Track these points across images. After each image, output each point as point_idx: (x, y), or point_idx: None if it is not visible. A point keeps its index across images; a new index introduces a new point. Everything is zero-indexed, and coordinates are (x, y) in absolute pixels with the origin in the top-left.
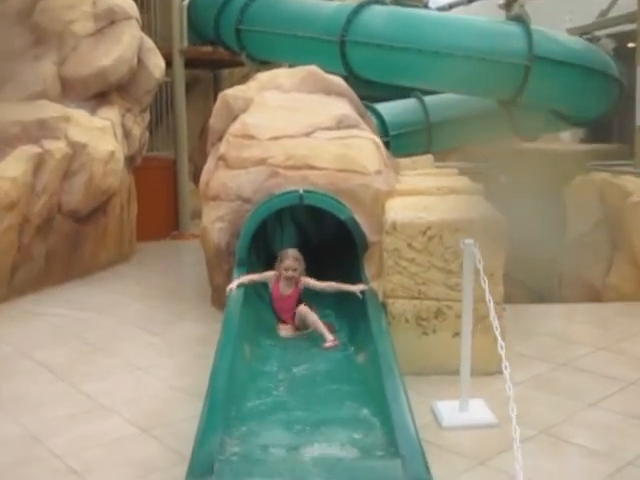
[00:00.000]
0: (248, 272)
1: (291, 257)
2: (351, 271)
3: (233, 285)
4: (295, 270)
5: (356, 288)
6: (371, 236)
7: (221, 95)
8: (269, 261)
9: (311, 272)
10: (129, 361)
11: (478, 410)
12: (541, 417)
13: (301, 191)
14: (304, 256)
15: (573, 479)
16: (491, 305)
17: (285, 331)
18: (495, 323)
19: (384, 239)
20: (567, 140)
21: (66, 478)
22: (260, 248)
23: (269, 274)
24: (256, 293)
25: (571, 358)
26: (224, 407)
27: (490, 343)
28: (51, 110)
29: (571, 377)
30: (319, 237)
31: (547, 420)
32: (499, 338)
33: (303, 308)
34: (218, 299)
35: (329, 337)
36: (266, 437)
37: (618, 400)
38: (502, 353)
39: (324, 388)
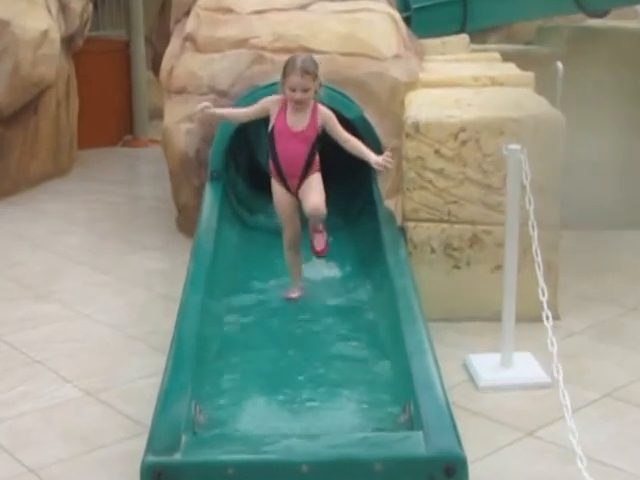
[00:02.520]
0: (225, 188)
1: (300, 69)
2: (360, 186)
3: (201, 106)
4: (307, 90)
5: (375, 158)
6: (387, 140)
7: None
8: (253, 176)
9: None
10: (70, 305)
11: (525, 366)
12: (606, 376)
13: None
14: None
15: None
16: (535, 233)
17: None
18: (538, 258)
19: (404, 144)
20: None
21: None
22: (240, 158)
23: (268, 100)
24: (236, 214)
25: None
26: (193, 362)
27: None
28: None
29: None
30: (320, 142)
31: (613, 380)
32: (540, 278)
33: (316, 178)
34: (185, 223)
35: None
36: (249, 403)
37: None
38: (543, 300)
39: (325, 336)
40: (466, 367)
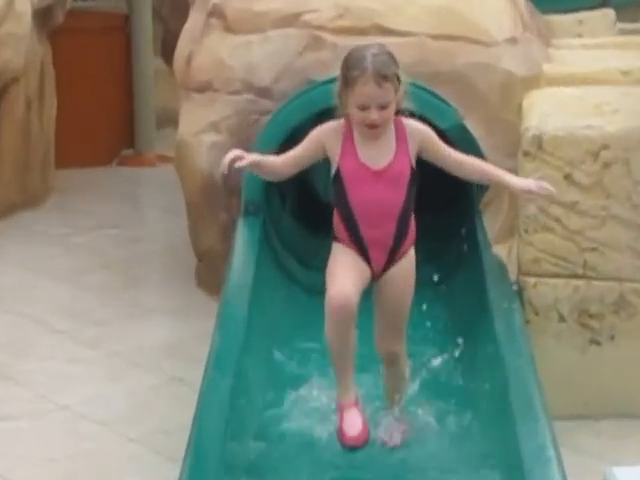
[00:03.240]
0: (266, 232)
1: (373, 74)
2: (457, 226)
3: (228, 158)
4: (386, 107)
5: (521, 183)
6: (495, 160)
7: None
8: (305, 212)
9: None
10: (42, 392)
11: None
12: None
13: None
14: None
15: None
16: None
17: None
18: None
19: (521, 166)
20: None
21: None
22: (289, 185)
23: (321, 132)
24: (282, 266)
25: None
26: (219, 477)
27: None
28: None
29: None
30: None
31: None
32: None
33: (409, 268)
34: (207, 276)
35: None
36: None
37: None
38: None
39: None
40: None
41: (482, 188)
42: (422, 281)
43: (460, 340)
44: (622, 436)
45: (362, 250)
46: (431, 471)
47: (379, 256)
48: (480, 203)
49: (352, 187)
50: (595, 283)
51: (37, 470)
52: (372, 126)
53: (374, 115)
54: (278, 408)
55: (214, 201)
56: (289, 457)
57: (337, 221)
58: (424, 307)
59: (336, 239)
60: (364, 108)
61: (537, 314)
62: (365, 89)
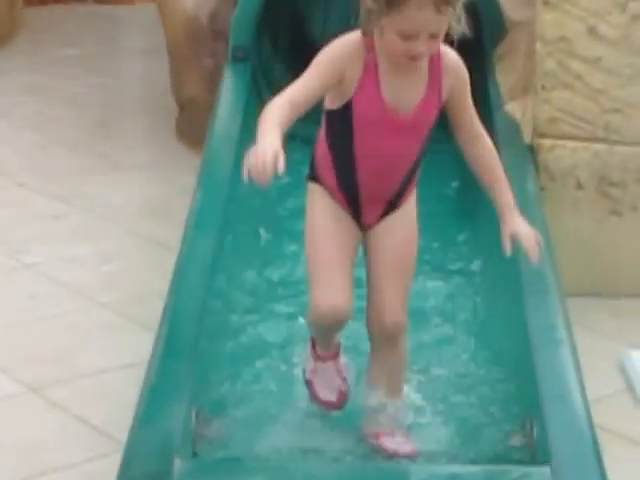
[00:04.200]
0: (255, 79)
1: None
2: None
3: (268, 155)
4: (437, 36)
5: (516, 225)
6: (512, 10)
7: None
8: (299, 57)
9: None
10: (7, 252)
11: None
12: None
13: None
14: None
15: None
16: None
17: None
18: None
19: (540, 17)
20: None
21: None
22: (281, 28)
23: (342, 49)
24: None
25: None
26: (196, 346)
27: None
28: None
29: None
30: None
31: None
32: None
33: (409, 216)
34: (189, 127)
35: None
36: (278, 407)
37: None
38: None
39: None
40: (624, 369)
41: (496, 37)
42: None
43: (467, 208)
44: None
45: (353, 203)
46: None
47: (373, 210)
48: (493, 57)
49: (362, 132)
50: (617, 148)
51: (2, 329)
52: (415, 58)
53: (422, 47)
54: (261, 285)
55: (199, 45)
56: (271, 328)
57: (323, 163)
58: (432, 170)
59: (314, 180)
60: (410, 36)
61: (553, 180)
62: (419, 14)
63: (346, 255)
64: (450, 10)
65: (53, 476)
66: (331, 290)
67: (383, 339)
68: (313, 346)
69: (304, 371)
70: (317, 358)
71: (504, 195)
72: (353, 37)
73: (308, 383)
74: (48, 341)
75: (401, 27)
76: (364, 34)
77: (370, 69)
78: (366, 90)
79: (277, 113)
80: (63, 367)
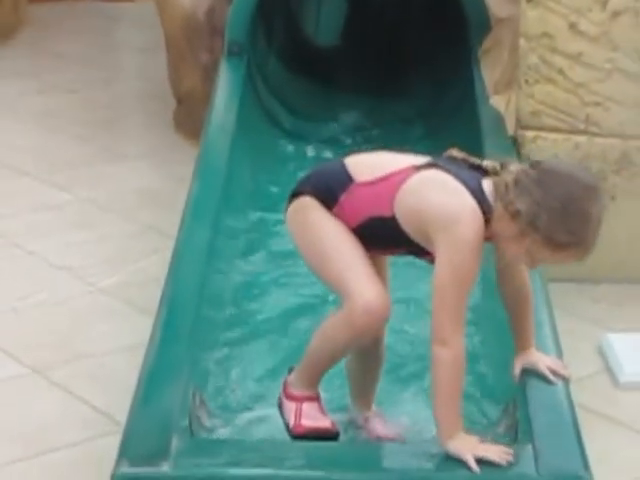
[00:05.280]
0: (250, 74)
1: (587, 252)
2: (454, 77)
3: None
4: None
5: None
6: (497, 8)
7: None
8: (291, 53)
9: (377, 84)
10: (11, 238)
11: None
12: None
13: None
14: (363, 47)
15: None
16: None
17: None
18: None
19: (523, 13)
20: None
21: None
22: (275, 25)
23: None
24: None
25: None
26: (193, 328)
27: None
28: None
29: None
30: (396, 14)
31: None
32: None
33: None
34: (187, 120)
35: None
36: (272, 388)
37: None
38: None
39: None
40: (602, 352)
41: (481, 33)
42: (412, 135)
43: None
44: (620, 302)
45: None
46: None
47: None
48: (478, 51)
49: None
50: (597, 140)
51: (5, 313)
52: (528, 266)
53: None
54: (256, 265)
55: (196, 40)
56: (267, 312)
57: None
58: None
59: (307, 194)
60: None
61: None
62: (567, 259)
63: (366, 255)
64: None
65: (55, 455)
66: (377, 286)
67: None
68: (295, 396)
69: (287, 426)
70: (302, 399)
71: (529, 330)
72: (479, 218)
73: (295, 431)
74: (50, 325)
75: (546, 258)
76: (484, 211)
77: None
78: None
79: None
80: (65, 350)
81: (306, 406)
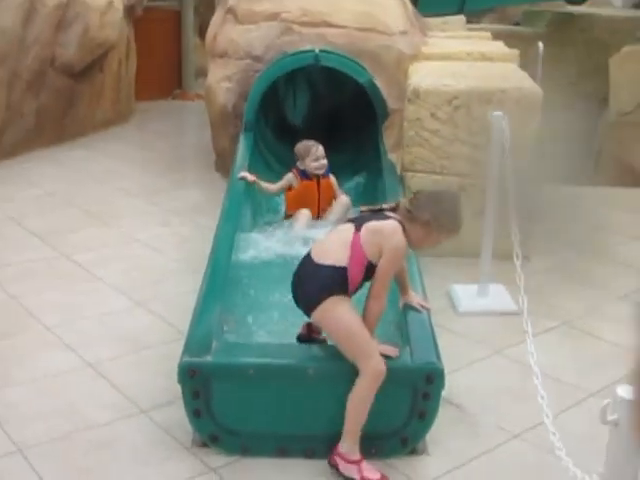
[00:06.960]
0: (256, 140)
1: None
2: (369, 141)
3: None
4: (324, 160)
5: (418, 302)
6: (392, 103)
7: None
8: (279, 128)
9: (325, 143)
10: (124, 231)
11: (498, 296)
12: (564, 308)
13: (317, 51)
14: (318, 124)
15: (594, 374)
16: (511, 186)
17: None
18: (512, 207)
19: (406, 107)
20: (619, 4)
21: (59, 351)
22: (270, 112)
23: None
24: (264, 160)
25: (604, 246)
26: (224, 282)
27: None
28: None
29: (602, 267)
30: (335, 104)
31: (570, 311)
32: (513, 223)
33: None
34: (222, 164)
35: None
36: (269, 317)
37: None
38: (515, 241)
39: None
40: (449, 295)
41: (383, 117)
42: (346, 174)
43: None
44: (459, 266)
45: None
46: None
47: None
48: (382, 128)
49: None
50: (447, 177)
51: (122, 271)
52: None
53: (322, 161)
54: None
55: (227, 121)
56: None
57: (356, 280)
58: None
59: (343, 292)
60: (317, 159)
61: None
62: (446, 240)
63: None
64: None
65: (147, 352)
66: (379, 356)
67: None
68: (354, 460)
69: None
70: (359, 462)
71: (406, 281)
72: (400, 232)
73: None
74: (147, 275)
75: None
76: (404, 228)
77: None
78: None
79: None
80: (153, 289)
81: (364, 465)
